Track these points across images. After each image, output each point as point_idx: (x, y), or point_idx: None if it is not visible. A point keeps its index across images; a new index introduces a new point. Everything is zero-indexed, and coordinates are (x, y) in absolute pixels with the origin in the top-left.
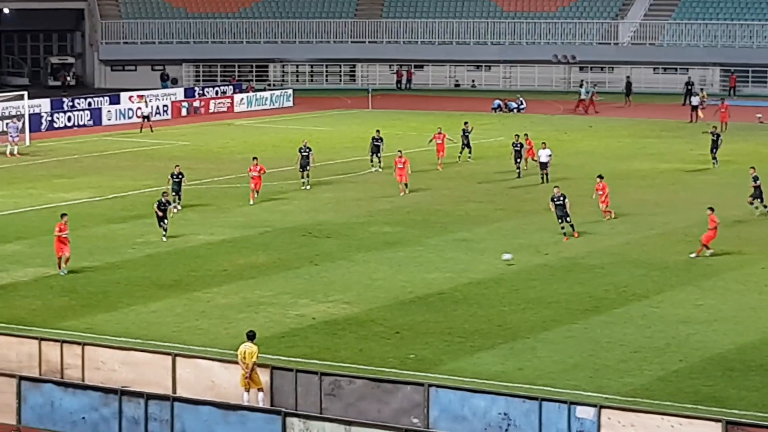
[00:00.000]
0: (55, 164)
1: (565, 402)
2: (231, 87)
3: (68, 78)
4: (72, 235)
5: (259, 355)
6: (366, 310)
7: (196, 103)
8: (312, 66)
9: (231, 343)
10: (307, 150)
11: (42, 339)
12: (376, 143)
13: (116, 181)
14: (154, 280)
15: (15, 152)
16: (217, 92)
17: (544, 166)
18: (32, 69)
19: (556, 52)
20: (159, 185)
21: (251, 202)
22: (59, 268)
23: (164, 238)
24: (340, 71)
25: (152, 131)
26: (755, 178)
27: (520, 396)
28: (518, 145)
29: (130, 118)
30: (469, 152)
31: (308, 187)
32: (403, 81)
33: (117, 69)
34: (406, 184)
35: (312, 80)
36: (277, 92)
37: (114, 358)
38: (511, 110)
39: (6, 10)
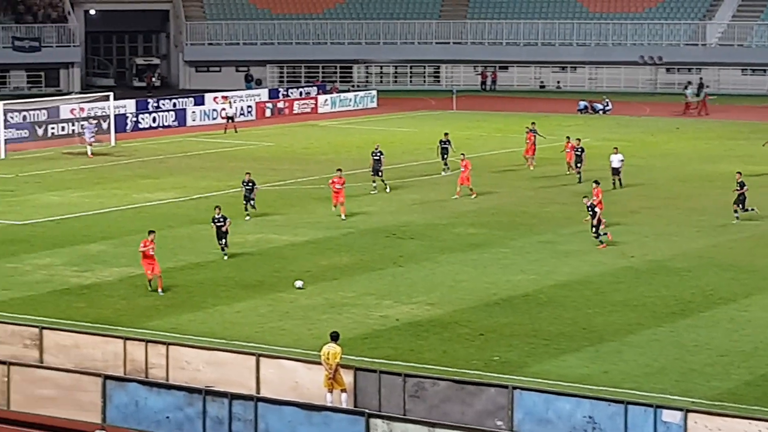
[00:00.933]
0: (139, 165)
1: (651, 406)
2: (315, 88)
3: (153, 79)
4: (157, 236)
5: (343, 356)
6: (450, 311)
7: (280, 104)
8: (396, 67)
9: (314, 343)
10: (379, 154)
11: (127, 338)
12: (444, 146)
13: (200, 181)
14: (238, 280)
15: (89, 153)
16: (301, 93)
17: (616, 171)
18: (118, 70)
19: (642, 53)
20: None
21: (341, 212)
22: (150, 287)
23: (225, 257)
24: (425, 72)
25: (236, 132)
26: (741, 184)
27: (605, 399)
28: (579, 149)
29: (214, 119)
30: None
31: (388, 190)
32: (488, 82)
33: (201, 70)
34: (470, 188)
35: (396, 81)
36: (361, 93)
37: (198, 358)
38: (596, 111)
39: (92, 12)
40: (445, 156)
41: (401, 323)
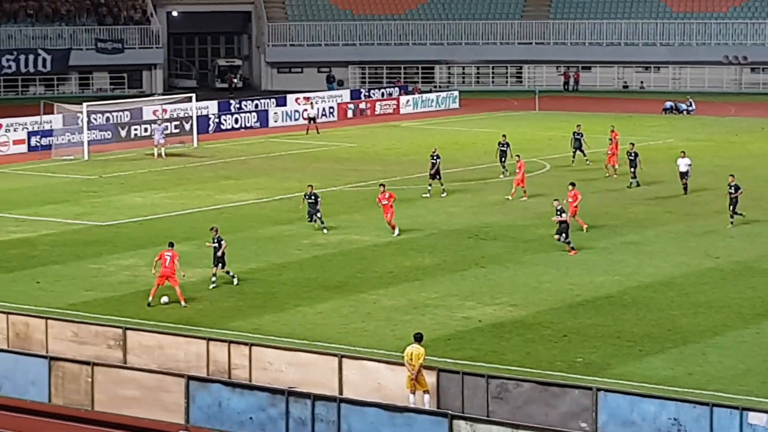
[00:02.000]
0: (222, 166)
1: (737, 408)
2: (397, 89)
3: (235, 80)
4: (239, 237)
5: (426, 357)
6: (533, 312)
7: (362, 105)
8: (478, 67)
9: (397, 344)
10: (437, 157)
11: (210, 339)
12: (502, 148)
13: (283, 182)
14: (320, 281)
15: (163, 154)
16: (383, 94)
17: (683, 175)
18: (200, 71)
19: (727, 53)
20: (326, 187)
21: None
22: (152, 296)
23: (234, 281)
24: (507, 73)
25: (318, 133)
26: (736, 187)
27: (690, 401)
28: (632, 154)
29: (296, 119)
30: (584, 155)
31: (444, 194)
32: (570, 82)
33: (283, 71)
34: (524, 190)
35: (478, 82)
36: (443, 94)
37: (281, 359)
38: (680, 112)
39: (175, 13)
40: (504, 158)
41: (484, 324)
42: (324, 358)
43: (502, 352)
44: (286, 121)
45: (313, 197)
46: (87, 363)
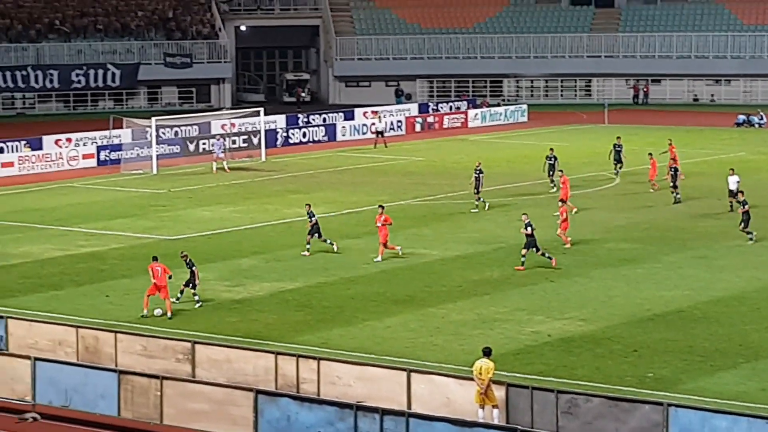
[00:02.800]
0: (290, 179)
1: None
2: (465, 102)
3: (303, 94)
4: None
5: (495, 371)
6: (603, 327)
7: (430, 119)
8: (547, 81)
9: (466, 359)
10: (479, 172)
11: (278, 353)
12: (549, 162)
13: (351, 196)
14: (388, 295)
15: (225, 168)
16: (450, 108)
17: (732, 193)
18: (268, 86)
19: None
20: (393, 200)
21: (378, 258)
22: (146, 311)
23: (197, 305)
24: (575, 86)
25: (386, 147)
26: (743, 203)
27: (763, 417)
28: (673, 169)
29: (364, 133)
30: (621, 167)
31: (486, 207)
32: (640, 95)
33: (351, 85)
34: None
35: (547, 95)
36: (512, 107)
37: (349, 373)
38: (752, 125)
39: (243, 28)
40: (552, 172)
41: (553, 339)
42: (392, 373)
43: (571, 367)
44: (354, 135)
45: (311, 216)
46: (156, 377)
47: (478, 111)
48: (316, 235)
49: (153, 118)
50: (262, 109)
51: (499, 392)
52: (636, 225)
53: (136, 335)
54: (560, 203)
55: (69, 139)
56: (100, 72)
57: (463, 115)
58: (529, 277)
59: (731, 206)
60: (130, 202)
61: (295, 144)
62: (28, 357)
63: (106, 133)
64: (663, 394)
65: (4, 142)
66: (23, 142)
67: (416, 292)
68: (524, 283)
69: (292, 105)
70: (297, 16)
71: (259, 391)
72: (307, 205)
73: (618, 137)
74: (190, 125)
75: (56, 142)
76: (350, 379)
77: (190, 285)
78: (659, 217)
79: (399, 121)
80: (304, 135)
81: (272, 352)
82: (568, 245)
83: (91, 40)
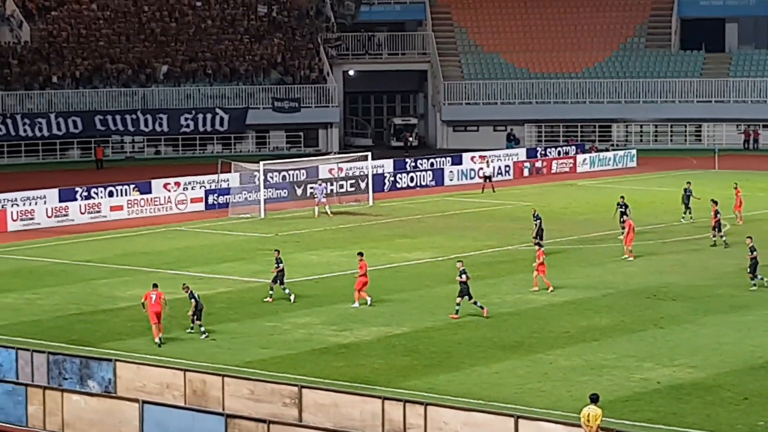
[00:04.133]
0: (397, 224)
1: None
2: (573, 147)
3: (411, 139)
4: (414, 295)
5: (603, 418)
6: (713, 374)
7: (538, 164)
8: (656, 126)
9: (573, 405)
10: (538, 219)
11: (385, 398)
12: (621, 209)
13: (458, 241)
14: (496, 341)
15: (328, 212)
16: (559, 152)
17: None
18: (375, 130)
19: None
20: (501, 246)
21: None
22: (156, 337)
23: (203, 335)
24: (685, 131)
25: (494, 191)
26: (752, 249)
27: None
28: (716, 213)
29: (471, 178)
30: (689, 213)
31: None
32: (751, 141)
33: (459, 129)
34: (630, 249)
35: (656, 140)
36: (621, 152)
37: (456, 419)
38: None
39: (351, 72)
40: (623, 219)
41: (662, 386)
42: (500, 419)
43: (681, 415)
44: (462, 179)
45: (279, 263)
46: (263, 421)
47: (586, 156)
48: (279, 282)
49: (261, 163)
50: (369, 154)
51: None
52: (746, 271)
53: (243, 379)
54: (537, 246)
55: (177, 183)
56: (209, 116)
57: (571, 160)
58: (637, 323)
59: None
60: (237, 246)
61: (402, 188)
62: (136, 400)
63: (215, 177)
64: None
65: (114, 186)
66: (132, 186)
67: (524, 337)
68: (633, 330)
69: (400, 149)
70: (405, 61)
71: None
72: (276, 251)
73: (688, 182)
74: (298, 169)
75: (165, 185)
76: (457, 425)
77: (196, 316)
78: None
79: (507, 166)
80: (412, 179)
81: (379, 397)
82: (551, 289)
83: (200, 85)
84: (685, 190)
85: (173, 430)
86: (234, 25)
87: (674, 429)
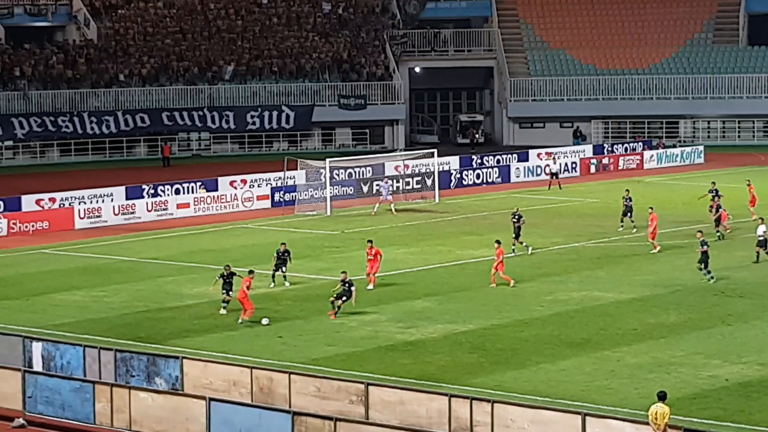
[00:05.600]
0: (463, 221)
1: None
2: (640, 143)
3: (477, 135)
4: (480, 293)
5: (671, 416)
6: None
7: (604, 160)
8: (724, 122)
9: (641, 403)
10: (519, 217)
11: (452, 395)
12: (627, 203)
13: (525, 238)
14: (562, 338)
15: (393, 210)
16: (626, 149)
17: (762, 243)
18: (441, 127)
19: None
20: (567, 243)
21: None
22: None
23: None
24: (754, 127)
25: (560, 188)
26: (702, 243)
27: None
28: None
29: (538, 175)
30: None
31: (530, 252)
32: None
33: (525, 126)
34: (653, 243)
35: (724, 136)
36: (688, 149)
37: (523, 417)
38: None
39: (417, 69)
40: (630, 214)
41: (731, 383)
42: (567, 416)
43: (749, 412)
44: (528, 176)
45: (284, 255)
46: (330, 418)
47: (653, 152)
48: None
49: (327, 160)
50: (435, 151)
51: None
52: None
53: (309, 376)
54: (496, 244)
55: (244, 181)
56: (275, 114)
57: (638, 157)
58: (705, 320)
59: (757, 256)
60: (303, 243)
61: (468, 185)
62: (203, 397)
63: (281, 174)
64: None
65: (181, 184)
66: (199, 184)
67: (591, 334)
68: (701, 327)
69: (466, 146)
70: (471, 58)
71: None
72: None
73: (713, 182)
74: (364, 167)
75: (231, 183)
76: (524, 423)
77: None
78: None
79: (574, 163)
80: (478, 176)
81: (445, 395)
82: (512, 284)
83: (266, 82)
84: (710, 191)
85: (240, 428)
86: (300, 23)
87: (742, 427)
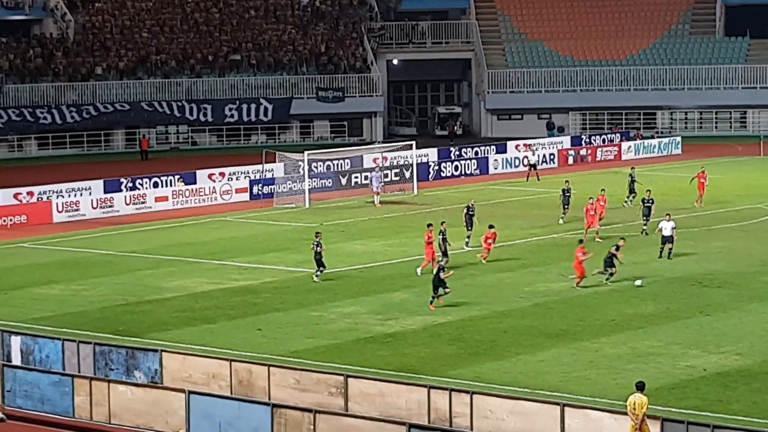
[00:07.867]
0: (442, 213)
1: None
2: (618, 135)
3: (455, 127)
4: (459, 284)
5: (649, 406)
6: (759, 361)
7: (582, 152)
8: (701, 113)
9: (619, 393)
10: (472, 210)
11: (431, 387)
12: (566, 194)
13: (503, 229)
14: (541, 329)
15: (375, 202)
16: (604, 140)
17: (666, 240)
18: (420, 119)
19: None
20: (546, 234)
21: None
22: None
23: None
24: (730, 118)
25: (539, 180)
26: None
27: None
28: (649, 201)
29: (516, 166)
30: (633, 197)
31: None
32: None
33: (503, 118)
34: (596, 231)
35: (701, 127)
36: (665, 140)
37: (502, 407)
38: None
39: (395, 62)
40: (567, 205)
41: (709, 373)
42: (546, 407)
43: (728, 402)
44: (506, 168)
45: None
46: (309, 410)
47: (631, 143)
48: None
49: (305, 152)
50: (414, 143)
51: (654, 427)
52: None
53: (289, 369)
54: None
55: (222, 174)
56: (253, 106)
57: (616, 148)
58: (683, 311)
59: (660, 253)
60: (282, 236)
61: (447, 177)
62: (182, 390)
63: (259, 167)
64: None
65: (159, 177)
66: (177, 177)
67: (570, 325)
68: (679, 317)
69: (444, 138)
70: (449, 50)
71: (411, 425)
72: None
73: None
74: (343, 159)
75: (209, 176)
76: (503, 414)
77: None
78: None
79: (551, 154)
80: (456, 168)
81: (425, 386)
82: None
83: (243, 75)
84: (630, 175)
85: (219, 420)
86: (277, 16)
87: (721, 416)
